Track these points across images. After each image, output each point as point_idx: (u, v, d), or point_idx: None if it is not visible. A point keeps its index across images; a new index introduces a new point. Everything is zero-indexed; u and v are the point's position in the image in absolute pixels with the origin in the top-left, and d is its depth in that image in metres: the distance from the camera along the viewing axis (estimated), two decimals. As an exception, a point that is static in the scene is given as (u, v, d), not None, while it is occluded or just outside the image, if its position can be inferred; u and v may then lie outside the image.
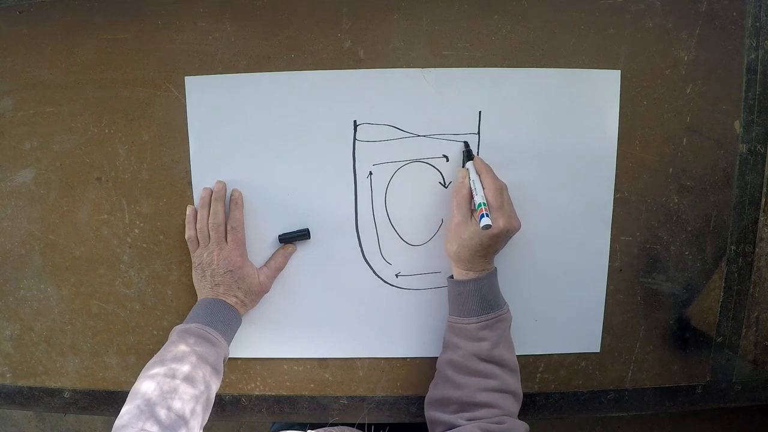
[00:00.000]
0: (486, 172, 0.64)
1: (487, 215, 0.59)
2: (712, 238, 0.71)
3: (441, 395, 0.63)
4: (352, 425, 0.69)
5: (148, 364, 0.61)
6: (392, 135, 0.68)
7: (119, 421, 0.54)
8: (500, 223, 0.60)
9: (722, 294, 0.73)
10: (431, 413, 0.64)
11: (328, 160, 0.69)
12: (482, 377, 0.61)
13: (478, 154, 0.68)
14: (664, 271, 0.72)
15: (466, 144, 0.68)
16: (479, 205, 0.60)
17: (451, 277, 0.67)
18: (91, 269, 0.72)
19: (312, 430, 0.63)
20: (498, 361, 0.62)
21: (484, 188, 0.62)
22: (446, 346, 0.66)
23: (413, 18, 0.67)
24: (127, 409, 0.55)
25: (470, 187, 0.64)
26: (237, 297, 0.67)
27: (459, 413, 0.61)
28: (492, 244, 0.62)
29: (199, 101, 0.68)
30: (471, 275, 0.63)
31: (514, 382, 0.63)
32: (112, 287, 0.73)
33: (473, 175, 0.64)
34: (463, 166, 0.68)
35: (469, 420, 0.59)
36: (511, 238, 0.64)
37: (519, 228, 0.62)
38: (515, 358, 0.64)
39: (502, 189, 0.62)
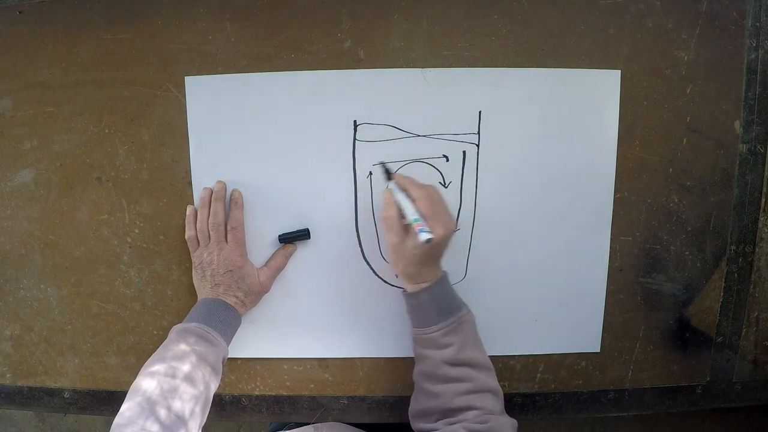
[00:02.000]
0: (410, 184, 0.63)
1: (424, 230, 0.58)
2: (712, 238, 0.71)
3: (421, 407, 0.64)
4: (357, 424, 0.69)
5: (148, 361, 0.61)
6: (392, 135, 0.68)
7: (119, 419, 0.54)
8: (439, 231, 0.59)
9: (722, 294, 0.73)
10: (416, 425, 0.64)
11: (328, 160, 0.69)
12: (456, 382, 0.61)
13: (478, 155, 0.69)
14: (664, 271, 0.72)
15: (383, 164, 0.67)
16: (414, 220, 0.59)
17: (405, 290, 0.66)
18: (91, 269, 0.72)
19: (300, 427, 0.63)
20: (467, 362, 0.61)
21: (414, 200, 0.61)
22: (417, 358, 0.65)
23: (413, 18, 0.67)
24: (127, 407, 0.55)
25: (397, 206, 0.62)
26: (237, 297, 0.67)
27: (441, 420, 0.61)
28: (436, 252, 0.62)
29: (199, 101, 0.68)
30: (423, 285, 0.63)
31: (490, 380, 0.63)
32: (112, 287, 0.73)
33: (398, 194, 0.63)
34: (386, 188, 0.65)
35: (452, 424, 0.59)
36: (450, 240, 0.63)
37: (454, 227, 0.62)
38: (486, 357, 0.64)
39: (431, 196, 0.61)
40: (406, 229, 0.62)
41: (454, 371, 0.61)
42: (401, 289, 0.66)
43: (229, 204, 0.69)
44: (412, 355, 0.73)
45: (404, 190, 0.63)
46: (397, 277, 0.69)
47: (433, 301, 0.62)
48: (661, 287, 0.72)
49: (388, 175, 0.67)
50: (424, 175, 0.69)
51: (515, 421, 0.61)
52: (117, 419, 0.54)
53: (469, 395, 0.60)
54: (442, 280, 0.63)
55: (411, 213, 0.60)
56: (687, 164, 0.70)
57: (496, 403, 0.62)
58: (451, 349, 0.61)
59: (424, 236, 0.57)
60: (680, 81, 0.68)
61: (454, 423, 0.59)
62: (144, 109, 0.69)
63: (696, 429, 1.45)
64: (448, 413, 0.60)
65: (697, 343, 0.74)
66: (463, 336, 0.62)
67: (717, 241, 0.71)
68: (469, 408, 0.59)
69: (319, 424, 0.64)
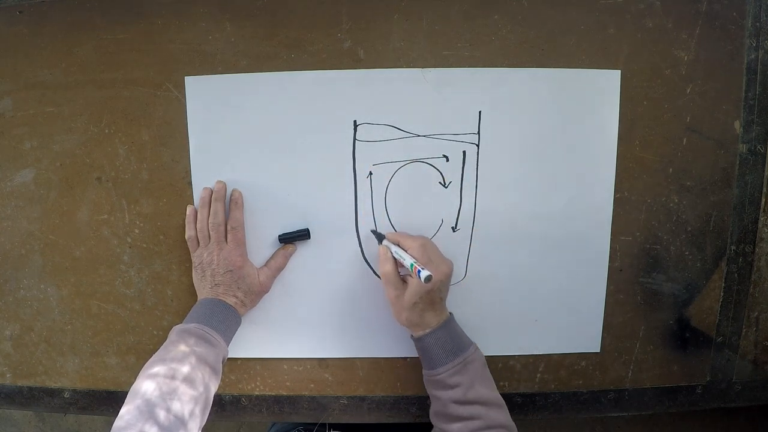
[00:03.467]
0: (402, 237, 0.66)
1: (422, 270, 0.60)
2: (712, 238, 0.71)
3: None
4: (355, 425, 0.69)
5: (147, 363, 0.60)
6: (392, 135, 0.68)
7: (119, 422, 0.54)
8: (435, 275, 0.61)
9: (722, 294, 0.73)
10: None
11: (328, 160, 0.69)
12: (467, 420, 0.62)
13: (478, 155, 0.69)
14: (664, 271, 0.72)
15: (374, 231, 0.70)
16: (411, 265, 0.61)
17: (412, 335, 0.67)
18: (91, 269, 0.72)
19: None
20: (476, 401, 0.62)
21: (407, 250, 0.64)
22: (430, 399, 0.66)
23: (413, 18, 0.67)
24: (126, 410, 0.55)
25: (394, 260, 0.65)
26: (237, 297, 0.67)
27: None
28: (435, 297, 0.63)
29: (199, 101, 0.68)
30: (428, 330, 0.64)
31: (501, 416, 0.63)
32: (112, 287, 0.73)
33: (393, 248, 0.65)
34: (380, 244, 0.68)
35: None
36: (450, 281, 0.65)
37: (451, 270, 0.64)
38: (497, 394, 0.64)
39: (424, 245, 0.63)
40: (404, 281, 0.64)
41: (464, 410, 0.62)
42: (410, 335, 0.67)
43: (229, 204, 0.69)
44: (412, 355, 0.73)
45: (396, 244, 0.66)
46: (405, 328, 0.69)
47: (438, 344, 0.63)
48: (661, 287, 0.72)
49: (380, 237, 0.69)
50: (424, 175, 0.69)
51: None
52: (116, 422, 0.54)
53: None
54: (447, 323, 0.64)
55: (408, 259, 0.62)
56: (687, 164, 0.70)
57: None
58: (459, 390, 0.62)
59: (423, 274, 0.58)
60: (680, 81, 0.68)
61: None
62: (144, 109, 0.69)
63: (696, 429, 1.45)
64: None
65: (697, 343, 0.74)
66: (470, 375, 0.63)
67: (717, 241, 0.71)
68: None
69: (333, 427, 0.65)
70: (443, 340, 0.64)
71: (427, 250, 0.63)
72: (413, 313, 0.64)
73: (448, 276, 0.64)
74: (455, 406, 0.62)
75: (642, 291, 0.72)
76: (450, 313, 0.66)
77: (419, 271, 0.59)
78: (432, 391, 0.65)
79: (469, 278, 0.71)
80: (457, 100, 0.68)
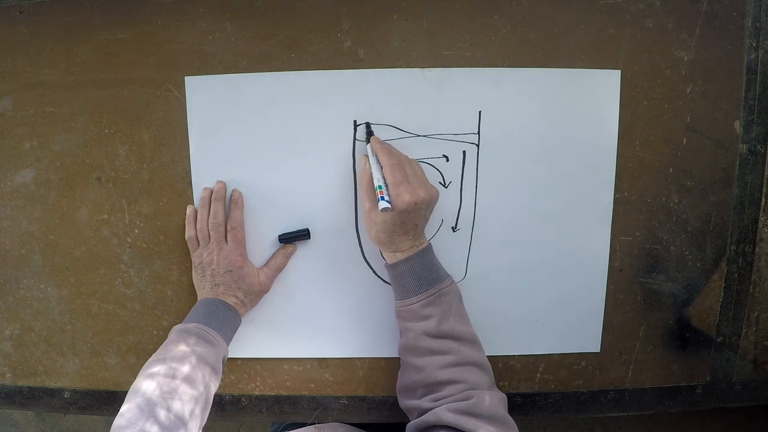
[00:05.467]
0: (381, 151, 0.62)
1: (383, 198, 0.57)
2: (712, 238, 0.71)
3: (406, 382, 0.63)
4: (351, 424, 0.69)
5: (147, 362, 0.61)
6: (392, 135, 0.68)
7: (119, 420, 0.54)
8: (405, 198, 0.58)
9: (722, 294, 0.73)
10: (403, 402, 0.64)
11: (328, 160, 0.69)
12: (438, 354, 0.60)
13: (478, 155, 0.69)
14: (664, 271, 0.72)
15: (367, 125, 0.66)
16: (377, 188, 0.59)
17: (386, 263, 0.65)
18: (91, 269, 0.72)
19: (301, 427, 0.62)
20: (449, 335, 0.60)
21: (382, 168, 0.61)
22: (400, 332, 0.65)
23: (413, 18, 0.67)
24: (126, 408, 0.55)
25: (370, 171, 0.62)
26: (237, 297, 0.67)
27: (426, 396, 0.59)
28: (405, 220, 0.59)
29: (199, 101, 0.68)
30: (400, 256, 0.62)
31: (474, 353, 0.61)
32: (112, 287, 0.73)
33: (371, 158, 0.62)
34: (366, 143, 0.66)
35: (436, 401, 0.58)
36: (430, 210, 0.62)
37: (432, 197, 0.60)
38: (471, 330, 0.62)
39: (400, 163, 0.60)
40: None
41: (436, 343, 0.60)
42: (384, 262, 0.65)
43: (229, 204, 0.69)
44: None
45: (375, 156, 0.62)
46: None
47: (413, 272, 0.61)
48: (661, 287, 0.72)
49: (368, 137, 0.66)
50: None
51: (504, 396, 0.60)
52: (116, 421, 0.54)
53: (452, 368, 0.59)
54: (424, 252, 0.62)
55: (376, 180, 0.59)
56: (687, 164, 0.70)
57: (482, 377, 0.60)
58: (432, 321, 0.60)
59: (381, 204, 0.56)
60: (680, 81, 0.68)
61: (438, 399, 0.58)
62: (144, 109, 0.69)
63: (696, 429, 1.45)
64: (432, 387, 0.59)
65: (697, 343, 0.74)
66: (444, 308, 0.61)
67: (717, 241, 0.71)
68: (452, 381, 0.58)
69: (320, 425, 0.64)
70: (418, 269, 0.61)
71: (404, 170, 0.59)
72: (383, 233, 0.61)
73: (425, 202, 0.59)
74: (426, 338, 0.60)
75: (642, 291, 0.72)
76: (429, 243, 0.64)
77: (380, 198, 0.57)
78: (403, 323, 0.63)
79: (469, 278, 0.71)
80: (457, 100, 0.68)
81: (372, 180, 0.62)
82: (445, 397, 0.58)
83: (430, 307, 0.61)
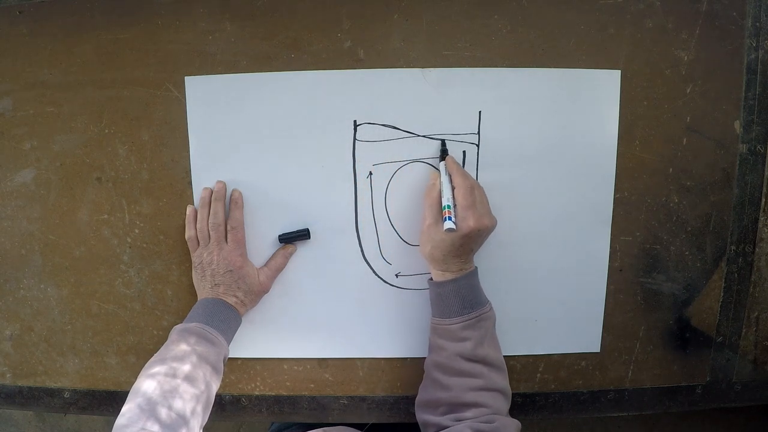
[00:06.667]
0: (456, 171, 0.63)
1: (450, 218, 0.59)
2: (712, 238, 0.71)
3: (429, 397, 0.64)
4: (352, 425, 0.69)
5: (148, 362, 0.61)
6: (392, 135, 0.68)
7: (120, 420, 0.54)
8: (470, 223, 0.59)
9: (722, 294, 0.73)
10: (422, 416, 0.64)
11: (328, 160, 0.69)
12: (468, 377, 0.61)
13: (478, 155, 0.69)
14: (664, 271, 0.72)
15: (443, 143, 0.67)
16: (445, 207, 0.60)
17: (432, 278, 0.66)
18: (91, 269, 0.72)
19: (310, 430, 0.63)
20: (483, 359, 0.61)
21: (454, 188, 0.62)
22: (431, 348, 0.65)
23: (413, 18, 0.67)
24: (127, 408, 0.55)
25: (439, 189, 0.63)
26: (237, 297, 0.67)
27: (448, 414, 0.60)
28: (464, 244, 0.61)
29: (199, 101, 0.68)
30: (448, 276, 0.63)
31: (501, 380, 0.63)
32: (112, 287, 0.73)
33: (443, 176, 0.63)
34: (440, 161, 0.67)
35: (458, 420, 0.59)
36: (486, 236, 0.63)
37: (493, 226, 0.62)
38: (501, 357, 0.64)
39: (473, 188, 0.61)
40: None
41: (468, 366, 0.61)
42: (428, 276, 0.66)
43: (229, 204, 0.69)
44: (413, 355, 0.73)
45: (449, 175, 0.63)
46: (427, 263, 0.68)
47: (458, 294, 0.62)
48: (661, 287, 0.72)
49: (443, 155, 0.67)
50: (425, 175, 0.69)
51: (519, 423, 0.61)
52: (118, 420, 0.54)
53: (479, 392, 0.60)
54: (471, 275, 0.63)
55: (446, 199, 0.60)
56: (687, 164, 0.70)
57: (504, 404, 0.62)
58: (468, 344, 0.61)
59: (447, 224, 0.57)
60: (680, 81, 0.68)
61: (460, 420, 0.59)
62: (144, 109, 0.69)
63: (696, 429, 1.45)
64: (456, 408, 0.60)
65: (697, 343, 0.74)
66: (482, 332, 0.62)
67: (717, 241, 0.71)
68: (477, 405, 0.59)
69: (328, 428, 0.64)
70: (464, 291, 0.62)
71: (474, 195, 0.61)
72: (439, 251, 0.62)
73: (487, 230, 0.61)
74: (460, 360, 0.61)
75: (642, 291, 0.72)
76: (475, 267, 0.65)
77: (446, 219, 0.58)
78: (437, 340, 0.64)
79: (469, 278, 0.71)
80: (457, 100, 0.68)
81: (440, 197, 0.63)
82: (468, 419, 0.59)
83: (468, 330, 0.62)
